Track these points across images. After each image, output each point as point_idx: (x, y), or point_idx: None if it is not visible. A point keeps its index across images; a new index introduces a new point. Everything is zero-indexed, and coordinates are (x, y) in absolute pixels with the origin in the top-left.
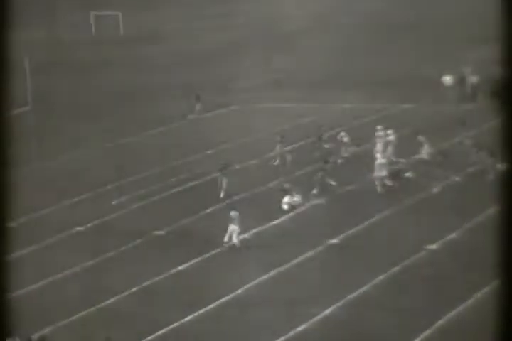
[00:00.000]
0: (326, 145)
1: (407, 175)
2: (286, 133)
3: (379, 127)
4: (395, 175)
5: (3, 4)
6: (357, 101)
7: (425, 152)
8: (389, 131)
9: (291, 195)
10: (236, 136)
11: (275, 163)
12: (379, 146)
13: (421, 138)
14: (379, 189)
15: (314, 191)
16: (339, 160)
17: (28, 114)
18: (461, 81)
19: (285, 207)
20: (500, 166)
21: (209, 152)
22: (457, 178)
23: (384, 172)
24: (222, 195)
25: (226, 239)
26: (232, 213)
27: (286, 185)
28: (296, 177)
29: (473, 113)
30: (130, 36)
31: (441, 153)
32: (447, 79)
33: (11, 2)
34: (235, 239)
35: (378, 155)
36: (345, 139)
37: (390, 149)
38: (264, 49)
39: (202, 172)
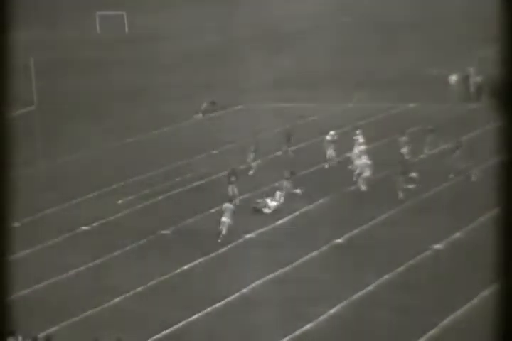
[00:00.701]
0: (291, 150)
1: (413, 175)
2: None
3: (357, 131)
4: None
5: (8, 4)
6: (361, 100)
7: (405, 153)
8: (359, 136)
9: (271, 200)
10: (241, 136)
11: (250, 173)
12: (356, 149)
13: (403, 139)
14: (362, 187)
15: (274, 202)
16: (326, 167)
17: (33, 113)
18: (465, 80)
19: (267, 210)
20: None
21: (214, 152)
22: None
23: (367, 173)
24: (236, 203)
25: (221, 229)
26: (225, 205)
27: (259, 200)
28: (270, 189)
29: (477, 112)
30: (135, 36)
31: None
32: (452, 79)
33: (17, 3)
34: (223, 231)
35: (364, 156)
36: (335, 138)
37: (362, 155)
38: (267, 49)
39: (207, 171)
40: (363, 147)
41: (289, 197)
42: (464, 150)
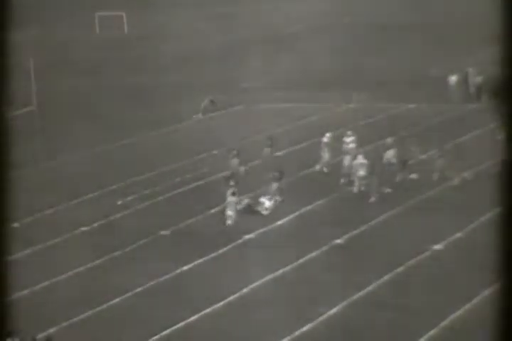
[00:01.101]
0: (274, 155)
1: (412, 176)
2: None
3: (349, 132)
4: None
5: (7, 5)
6: (361, 101)
7: (390, 156)
8: (350, 139)
9: (265, 200)
10: (241, 137)
11: (243, 176)
12: (347, 150)
13: (389, 140)
14: (355, 190)
15: (266, 204)
16: (325, 170)
17: (33, 113)
18: (465, 81)
19: (265, 212)
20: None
21: (214, 152)
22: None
23: (362, 172)
24: (238, 202)
25: (228, 222)
26: (230, 198)
27: (247, 200)
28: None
29: (477, 113)
30: (134, 36)
31: (402, 161)
32: (452, 79)
33: (17, 3)
34: (229, 222)
35: (360, 156)
36: (331, 140)
37: (358, 154)
38: (267, 49)
39: (207, 172)
40: (352, 146)
41: (287, 199)
42: (462, 151)
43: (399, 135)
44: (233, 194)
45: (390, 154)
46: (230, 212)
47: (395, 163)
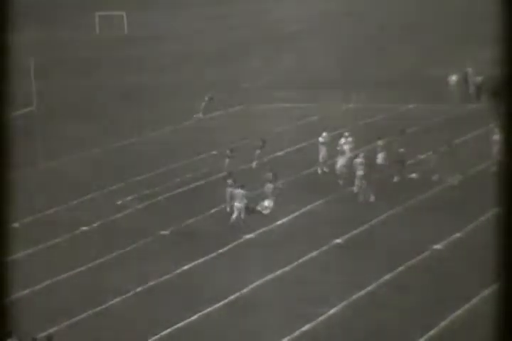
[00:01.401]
0: (279, 152)
1: (412, 176)
2: (282, 135)
3: (346, 134)
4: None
5: (7, 5)
6: (361, 101)
7: (381, 157)
8: (346, 140)
9: (267, 200)
10: (241, 137)
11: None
12: (346, 149)
13: (380, 142)
14: (355, 189)
15: (266, 203)
16: (325, 169)
17: (33, 114)
18: (464, 81)
19: (265, 211)
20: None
21: (214, 152)
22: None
23: (362, 172)
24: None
25: (234, 216)
26: (237, 191)
27: (246, 201)
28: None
29: (476, 113)
30: (134, 36)
31: (400, 161)
32: (452, 79)
33: (17, 3)
34: (234, 216)
35: (361, 155)
36: (328, 140)
37: (342, 160)
38: (267, 49)
39: (207, 172)
40: (348, 147)
41: (287, 199)
42: (461, 151)
43: (392, 136)
44: (241, 187)
45: (380, 156)
46: (238, 204)
47: (387, 164)
